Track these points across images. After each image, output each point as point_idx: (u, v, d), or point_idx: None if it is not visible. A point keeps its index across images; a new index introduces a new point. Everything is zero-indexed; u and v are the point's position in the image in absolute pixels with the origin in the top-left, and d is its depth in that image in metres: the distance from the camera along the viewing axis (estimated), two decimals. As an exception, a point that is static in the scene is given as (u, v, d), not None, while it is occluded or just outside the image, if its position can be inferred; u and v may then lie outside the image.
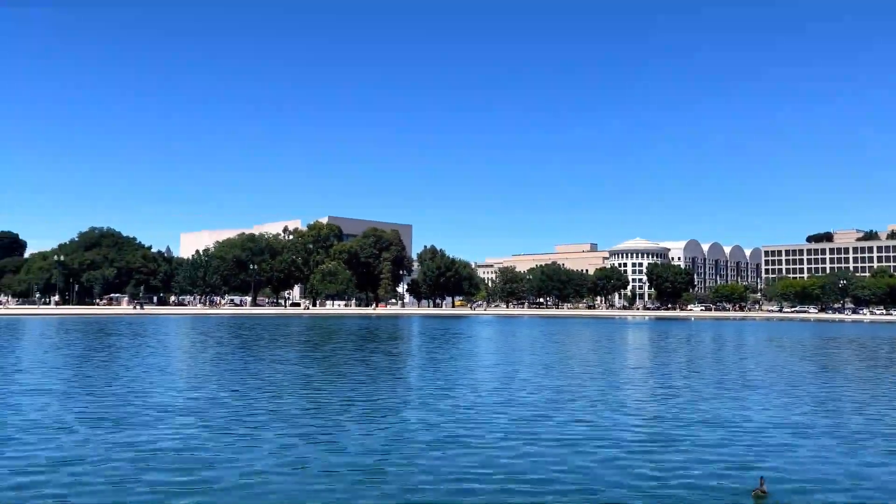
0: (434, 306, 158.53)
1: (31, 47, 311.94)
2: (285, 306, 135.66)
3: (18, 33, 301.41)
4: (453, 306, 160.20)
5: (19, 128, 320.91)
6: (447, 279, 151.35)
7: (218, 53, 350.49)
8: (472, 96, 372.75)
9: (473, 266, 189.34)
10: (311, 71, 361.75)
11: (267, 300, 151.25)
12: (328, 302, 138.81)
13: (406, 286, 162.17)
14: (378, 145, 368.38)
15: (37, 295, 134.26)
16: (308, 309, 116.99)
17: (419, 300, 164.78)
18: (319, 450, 11.09)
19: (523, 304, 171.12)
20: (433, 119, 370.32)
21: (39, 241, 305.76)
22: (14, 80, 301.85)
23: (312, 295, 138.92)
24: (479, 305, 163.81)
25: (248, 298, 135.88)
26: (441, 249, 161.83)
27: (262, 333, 44.96)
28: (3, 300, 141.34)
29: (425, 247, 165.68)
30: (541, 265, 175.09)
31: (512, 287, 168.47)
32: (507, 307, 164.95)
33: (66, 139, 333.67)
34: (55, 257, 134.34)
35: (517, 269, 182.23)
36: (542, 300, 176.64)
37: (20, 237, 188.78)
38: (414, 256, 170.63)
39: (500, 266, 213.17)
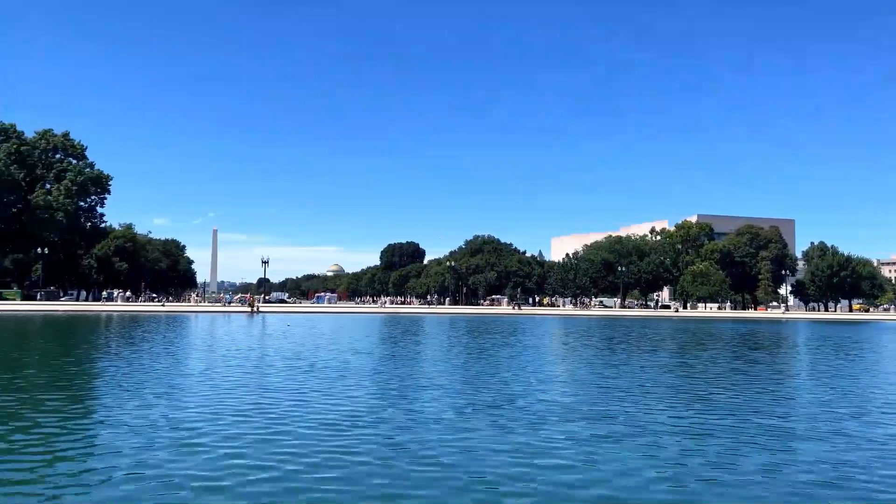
0: (825, 310, 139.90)
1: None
2: (655, 308, 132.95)
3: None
4: (850, 310, 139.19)
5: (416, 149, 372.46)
6: (841, 279, 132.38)
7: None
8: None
9: (876, 264, 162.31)
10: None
11: (636, 302, 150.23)
12: (700, 304, 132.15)
13: (789, 288, 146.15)
14: (739, 140, 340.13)
15: (434, 296, 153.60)
16: (678, 311, 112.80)
17: (805, 303, 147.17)
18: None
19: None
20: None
21: (435, 249, 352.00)
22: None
23: (683, 297, 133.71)
24: (885, 309, 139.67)
25: (617, 300, 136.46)
26: (832, 246, 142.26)
27: (634, 335, 44.42)
28: (408, 301, 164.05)
29: (812, 243, 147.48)
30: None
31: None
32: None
33: (450, 159, 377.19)
34: (447, 263, 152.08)
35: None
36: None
37: (420, 246, 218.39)
38: (798, 254, 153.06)
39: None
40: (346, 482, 9.11)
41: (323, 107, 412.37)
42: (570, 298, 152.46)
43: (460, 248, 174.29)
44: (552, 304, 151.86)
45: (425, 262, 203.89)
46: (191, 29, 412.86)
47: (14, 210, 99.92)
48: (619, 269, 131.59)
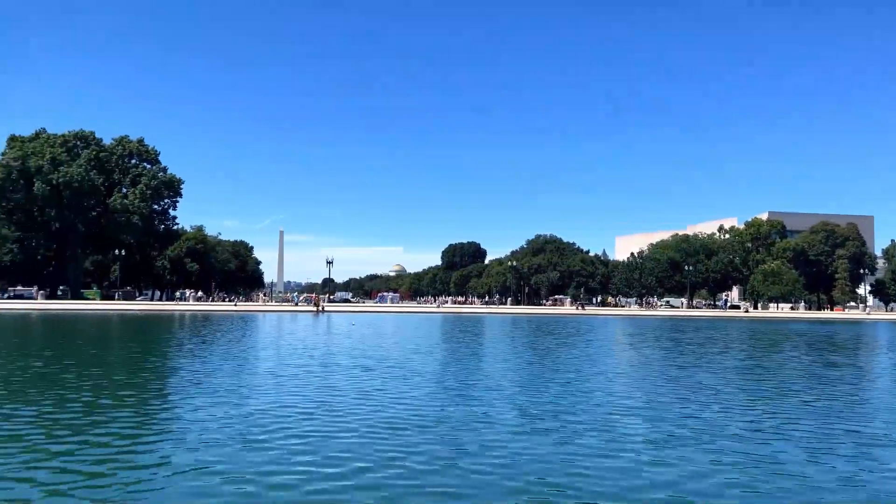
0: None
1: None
2: (723, 308, 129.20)
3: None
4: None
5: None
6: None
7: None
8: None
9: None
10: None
11: (704, 302, 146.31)
12: (771, 305, 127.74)
13: (868, 287, 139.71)
14: (811, 134, 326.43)
15: (496, 296, 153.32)
16: (748, 311, 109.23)
17: (886, 303, 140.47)
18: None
19: None
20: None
21: (497, 248, 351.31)
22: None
23: (753, 297, 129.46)
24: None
25: (684, 300, 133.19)
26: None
27: (704, 336, 43.21)
28: (470, 301, 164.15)
29: (892, 241, 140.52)
30: None
31: None
32: None
33: (511, 159, 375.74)
34: (509, 263, 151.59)
35: None
36: None
37: (481, 246, 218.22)
38: (878, 252, 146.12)
39: None
40: (407, 481, 9.14)
41: (387, 108, 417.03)
42: (634, 298, 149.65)
43: (522, 247, 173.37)
44: (616, 305, 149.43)
45: (486, 261, 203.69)
46: (256, 33, 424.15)
47: (94, 214, 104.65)
48: (686, 268, 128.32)
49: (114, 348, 31.10)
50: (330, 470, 9.50)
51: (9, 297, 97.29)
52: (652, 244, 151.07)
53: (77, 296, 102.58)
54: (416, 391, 17.22)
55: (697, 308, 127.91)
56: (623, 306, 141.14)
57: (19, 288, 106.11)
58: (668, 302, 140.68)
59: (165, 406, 14.94)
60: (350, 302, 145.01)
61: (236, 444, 10.93)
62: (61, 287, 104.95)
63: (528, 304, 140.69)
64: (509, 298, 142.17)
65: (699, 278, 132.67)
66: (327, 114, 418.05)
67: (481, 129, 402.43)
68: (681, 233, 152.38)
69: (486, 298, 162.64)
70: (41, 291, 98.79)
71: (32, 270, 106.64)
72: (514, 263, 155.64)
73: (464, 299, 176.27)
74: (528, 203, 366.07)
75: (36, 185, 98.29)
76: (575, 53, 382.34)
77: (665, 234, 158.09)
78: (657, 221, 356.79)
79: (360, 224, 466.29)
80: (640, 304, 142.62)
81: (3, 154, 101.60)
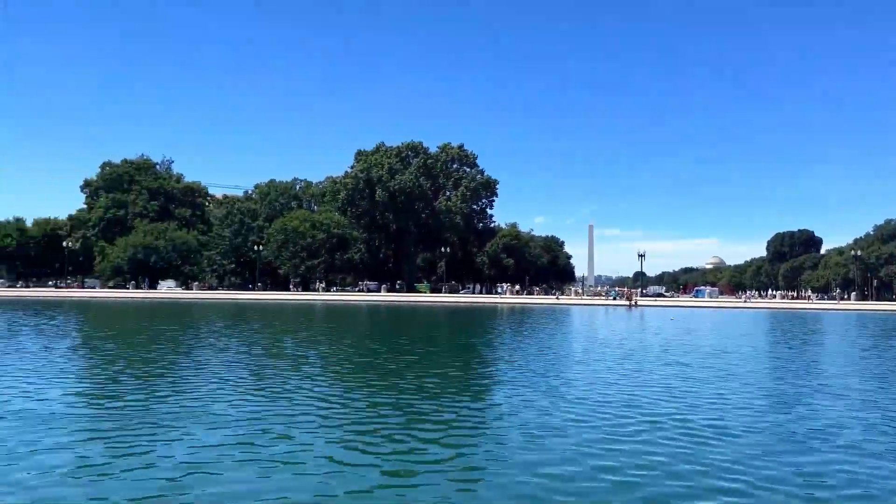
0: None
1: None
2: None
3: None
4: None
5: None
6: None
7: None
8: None
9: None
10: None
11: None
12: None
13: None
14: None
15: (836, 291, 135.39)
16: None
17: None
18: None
19: None
20: None
21: (834, 237, 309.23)
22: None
23: None
24: None
25: None
26: None
27: None
28: (806, 296, 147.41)
29: None
30: None
31: None
32: None
33: (853, 127, 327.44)
34: (851, 252, 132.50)
35: None
36: None
37: (815, 234, 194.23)
38: None
39: None
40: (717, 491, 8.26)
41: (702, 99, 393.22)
42: None
43: (868, 234, 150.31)
44: None
45: (822, 251, 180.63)
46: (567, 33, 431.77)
47: (423, 216, 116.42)
48: None
49: (440, 337, 33.97)
50: (615, 475, 9.02)
51: (359, 291, 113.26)
52: None
53: (412, 289, 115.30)
54: (735, 396, 15.66)
55: None
56: None
57: (367, 282, 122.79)
58: None
59: (479, 395, 15.71)
60: (663, 296, 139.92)
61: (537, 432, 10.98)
62: (399, 282, 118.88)
63: (878, 300, 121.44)
64: (853, 293, 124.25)
65: None
66: (640, 107, 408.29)
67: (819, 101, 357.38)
68: None
69: (824, 294, 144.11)
70: (383, 285, 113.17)
71: (376, 267, 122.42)
72: (859, 253, 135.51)
73: (794, 294, 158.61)
74: (872, 184, 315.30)
75: (377, 192, 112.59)
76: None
77: None
78: None
79: (670, 216, 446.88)
80: None
81: (351, 167, 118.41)
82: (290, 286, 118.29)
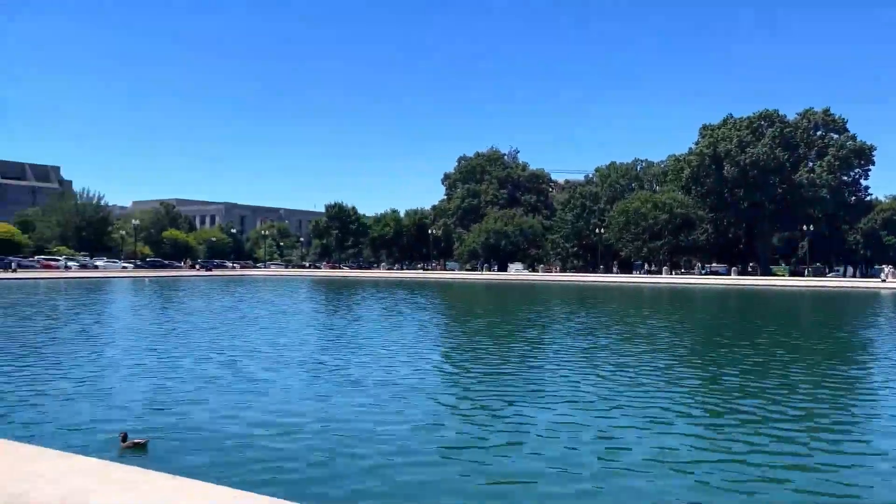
0: None
1: None
2: None
3: None
4: None
5: None
6: None
7: None
8: None
9: None
10: None
11: None
12: None
13: None
14: None
15: None
16: None
17: None
18: None
19: None
20: None
21: None
22: None
23: None
24: None
25: None
26: None
27: None
28: None
29: None
30: None
31: None
32: None
33: None
34: None
35: None
36: None
37: None
38: None
39: None
40: None
41: None
42: None
43: None
44: None
45: None
46: None
47: (779, 191, 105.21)
48: None
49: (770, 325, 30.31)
50: None
51: (705, 274, 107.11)
52: None
53: (766, 272, 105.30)
54: None
55: None
56: None
57: (714, 265, 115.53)
58: None
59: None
60: None
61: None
62: (751, 264, 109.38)
63: None
64: None
65: None
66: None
67: None
68: None
69: None
70: (733, 268, 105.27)
71: (724, 249, 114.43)
72: None
73: None
74: None
75: (725, 168, 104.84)
76: None
77: None
78: None
79: None
80: None
81: (696, 143, 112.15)
82: (633, 270, 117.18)
